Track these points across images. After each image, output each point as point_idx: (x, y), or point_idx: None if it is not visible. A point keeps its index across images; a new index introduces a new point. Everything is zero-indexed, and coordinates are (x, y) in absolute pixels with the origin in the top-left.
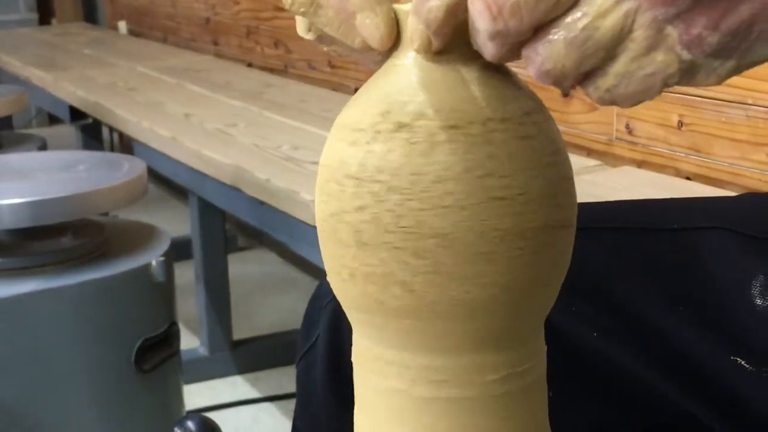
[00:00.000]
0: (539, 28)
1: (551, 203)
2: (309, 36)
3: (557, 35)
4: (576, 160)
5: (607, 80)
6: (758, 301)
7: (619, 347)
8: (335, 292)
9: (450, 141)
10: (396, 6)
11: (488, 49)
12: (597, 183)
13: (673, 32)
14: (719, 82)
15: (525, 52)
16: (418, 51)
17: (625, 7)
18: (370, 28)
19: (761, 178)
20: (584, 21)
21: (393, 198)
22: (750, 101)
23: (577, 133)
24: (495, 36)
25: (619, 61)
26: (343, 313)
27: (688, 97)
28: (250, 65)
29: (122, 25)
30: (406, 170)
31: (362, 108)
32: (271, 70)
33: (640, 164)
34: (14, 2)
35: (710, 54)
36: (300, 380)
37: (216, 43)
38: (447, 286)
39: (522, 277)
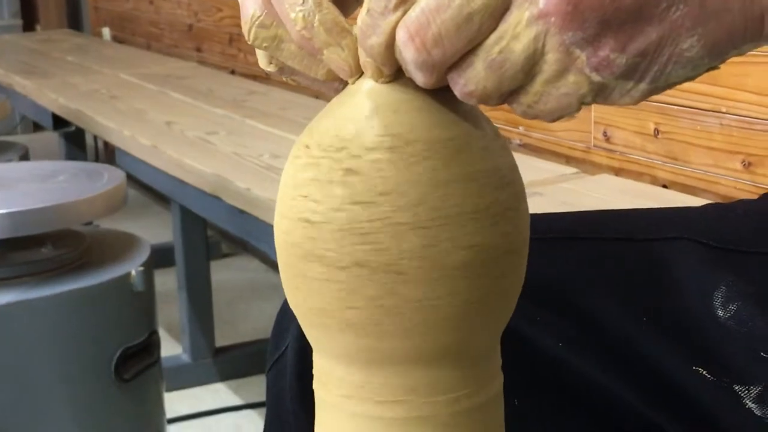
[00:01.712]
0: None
1: (495, 230)
2: (270, 68)
3: (477, 59)
4: (554, 168)
5: (527, 98)
6: (720, 312)
7: (585, 357)
8: (290, 303)
9: (391, 163)
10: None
11: (418, 78)
12: (575, 191)
13: (581, 55)
14: (635, 103)
15: (449, 76)
16: (372, 78)
17: (534, 30)
18: (338, 62)
19: (736, 186)
20: (500, 44)
21: (339, 219)
22: (724, 110)
23: (555, 140)
24: (421, 66)
25: (537, 81)
26: None
27: (664, 105)
28: (233, 72)
29: (106, 32)
30: (352, 193)
31: (317, 132)
32: (254, 77)
33: (618, 172)
34: None
35: (620, 76)
36: (270, 389)
37: (199, 50)
38: (399, 311)
39: (473, 300)
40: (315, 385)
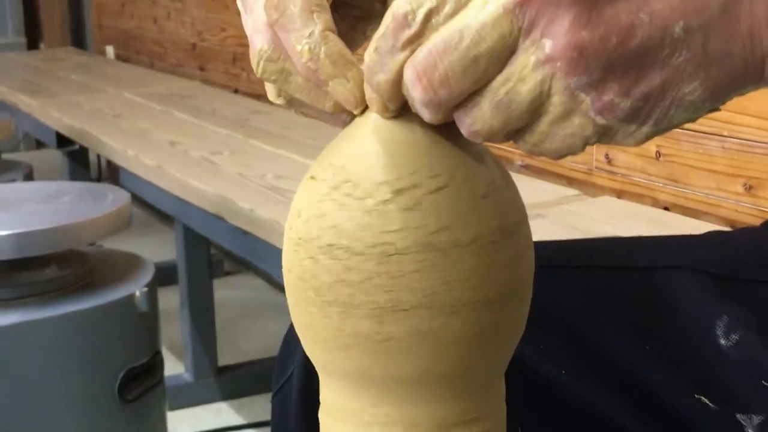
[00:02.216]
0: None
1: (501, 263)
2: (279, 101)
3: (483, 100)
4: (556, 190)
5: (533, 137)
6: (722, 341)
7: (588, 384)
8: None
9: (398, 203)
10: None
11: (425, 115)
12: (577, 213)
13: (586, 99)
14: (639, 144)
15: (455, 115)
16: (377, 113)
17: (540, 74)
18: (344, 93)
19: (737, 209)
20: (507, 86)
21: (343, 257)
22: (726, 133)
23: (557, 162)
24: (427, 104)
25: (542, 121)
26: None
27: None
28: (236, 91)
29: (110, 50)
30: (355, 230)
31: (323, 167)
32: (258, 97)
33: (620, 194)
34: (2, 26)
35: (624, 119)
36: (275, 414)
37: (202, 69)
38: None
39: (478, 331)
40: (320, 414)
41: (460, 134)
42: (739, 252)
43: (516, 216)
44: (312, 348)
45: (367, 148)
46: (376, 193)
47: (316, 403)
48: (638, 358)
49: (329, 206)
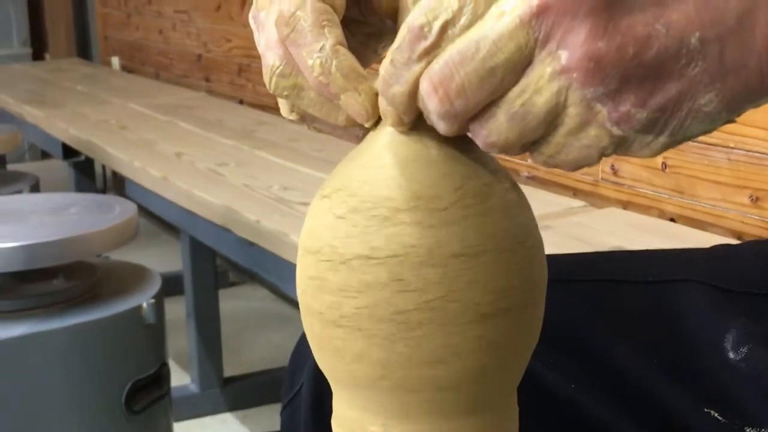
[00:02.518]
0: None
1: (516, 275)
2: (292, 117)
3: (499, 111)
4: (562, 201)
5: (549, 148)
6: (731, 355)
7: (597, 398)
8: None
9: (412, 218)
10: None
11: (440, 127)
12: (583, 224)
13: (602, 110)
14: (654, 155)
15: (471, 126)
16: (392, 126)
17: (557, 85)
18: (355, 106)
19: (743, 221)
20: (523, 98)
21: (356, 272)
22: (732, 144)
23: (563, 173)
24: (443, 116)
25: (558, 132)
26: None
27: None
28: (241, 102)
29: (115, 61)
30: (369, 246)
31: (336, 184)
32: (263, 107)
33: (626, 205)
34: (8, 37)
35: (640, 130)
36: (284, 427)
37: (208, 80)
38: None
39: (493, 345)
40: (333, 425)
41: (472, 147)
42: (747, 266)
43: (528, 226)
44: (324, 360)
45: (381, 165)
46: (389, 209)
47: (325, 417)
48: (648, 371)
49: (344, 222)
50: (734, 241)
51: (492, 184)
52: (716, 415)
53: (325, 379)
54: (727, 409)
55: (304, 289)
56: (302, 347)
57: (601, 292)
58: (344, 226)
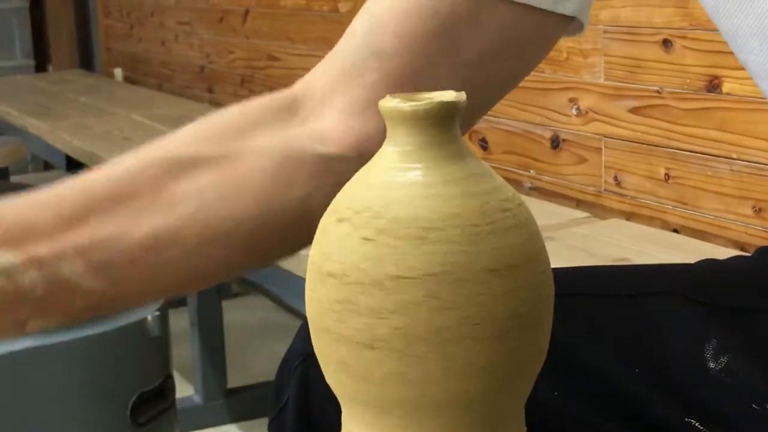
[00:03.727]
0: None
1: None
2: None
3: None
4: (565, 212)
5: None
6: (711, 365)
7: (581, 407)
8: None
9: (425, 238)
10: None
11: None
12: (586, 235)
13: None
14: None
15: None
16: None
17: None
18: None
19: (747, 231)
20: None
21: (367, 291)
22: (734, 155)
23: (566, 184)
24: None
25: None
26: (313, 376)
27: (675, 151)
28: None
29: (118, 72)
30: (380, 265)
31: (347, 206)
32: None
33: (629, 216)
34: (11, 49)
35: None
36: None
37: (211, 91)
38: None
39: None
40: None
41: (478, 175)
42: (730, 280)
43: (536, 243)
44: (335, 377)
45: (402, 185)
46: (420, 228)
47: (311, 430)
48: (630, 382)
49: (372, 244)
50: (737, 252)
51: (509, 200)
52: (697, 424)
53: (312, 393)
54: (707, 418)
55: (324, 313)
56: (288, 363)
57: (585, 305)
58: (373, 248)
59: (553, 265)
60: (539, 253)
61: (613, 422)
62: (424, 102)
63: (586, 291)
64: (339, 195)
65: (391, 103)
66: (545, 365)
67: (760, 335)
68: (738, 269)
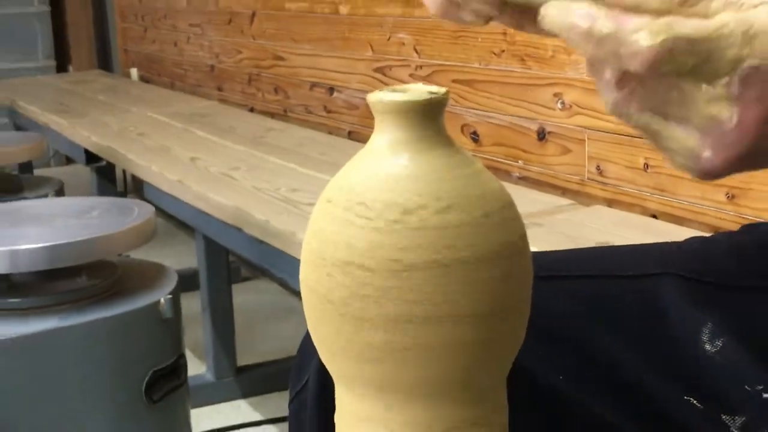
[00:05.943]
0: None
1: (502, 274)
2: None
3: None
4: (551, 200)
5: None
6: (707, 347)
7: (585, 389)
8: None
9: (407, 223)
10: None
11: None
12: (570, 222)
13: None
14: None
15: None
16: None
17: None
18: None
19: (720, 216)
20: None
21: (356, 273)
22: None
23: (552, 174)
24: None
25: None
26: None
27: None
28: (252, 110)
29: (134, 72)
30: (368, 248)
31: (337, 189)
32: (272, 115)
33: (610, 203)
34: (33, 51)
35: None
36: (292, 421)
37: (220, 89)
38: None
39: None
40: (336, 419)
41: (460, 164)
42: (721, 257)
43: (515, 234)
44: (327, 357)
45: (378, 173)
46: (386, 214)
47: (331, 411)
48: (632, 362)
49: (344, 226)
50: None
51: (480, 194)
52: (695, 402)
53: (330, 376)
54: (704, 397)
55: (306, 290)
56: (308, 343)
57: (585, 287)
58: (345, 229)
59: (540, 249)
60: (518, 242)
61: (618, 402)
62: (411, 95)
63: (585, 273)
64: (331, 181)
65: (378, 96)
66: (550, 349)
67: (758, 318)
68: (728, 247)
